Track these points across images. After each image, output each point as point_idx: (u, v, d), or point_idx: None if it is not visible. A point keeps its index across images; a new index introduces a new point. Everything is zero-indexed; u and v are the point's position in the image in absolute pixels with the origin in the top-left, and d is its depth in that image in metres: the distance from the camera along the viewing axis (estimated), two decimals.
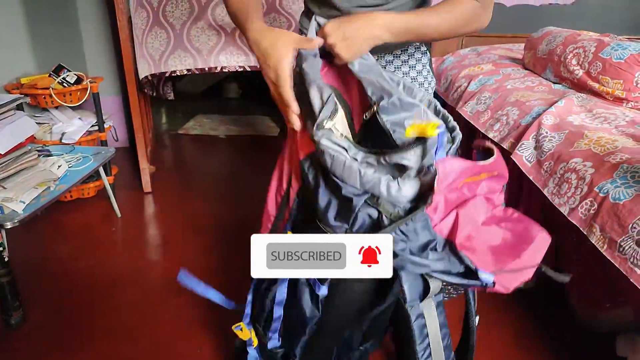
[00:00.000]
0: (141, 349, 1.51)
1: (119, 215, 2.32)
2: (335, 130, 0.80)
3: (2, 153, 1.57)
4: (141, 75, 2.49)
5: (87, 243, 2.13)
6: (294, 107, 0.84)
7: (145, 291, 1.79)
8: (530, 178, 1.54)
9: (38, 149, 2.01)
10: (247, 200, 2.37)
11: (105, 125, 2.42)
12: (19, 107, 2.05)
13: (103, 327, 1.59)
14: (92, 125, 2.39)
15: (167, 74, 2.48)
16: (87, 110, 2.49)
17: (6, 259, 1.50)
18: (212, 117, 4.05)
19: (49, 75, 2.23)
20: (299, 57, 0.87)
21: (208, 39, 2.44)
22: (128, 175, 2.78)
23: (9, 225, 1.54)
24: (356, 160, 0.79)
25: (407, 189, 0.76)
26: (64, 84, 2.21)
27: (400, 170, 0.76)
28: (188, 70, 2.45)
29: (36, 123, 2.22)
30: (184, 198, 2.60)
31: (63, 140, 2.24)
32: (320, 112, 0.80)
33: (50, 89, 2.15)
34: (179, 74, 2.49)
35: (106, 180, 2.24)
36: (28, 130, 1.70)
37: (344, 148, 0.80)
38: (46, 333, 1.57)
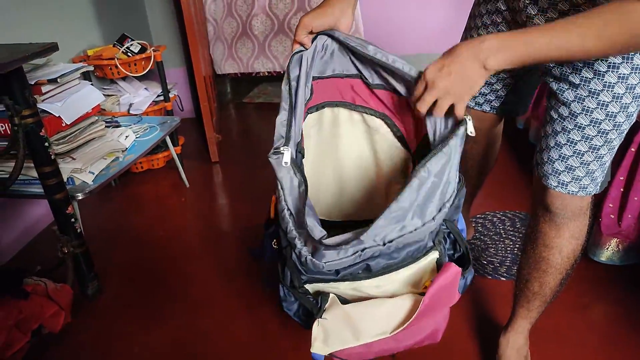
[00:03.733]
0: (217, 321, 1.46)
1: (187, 185, 2.30)
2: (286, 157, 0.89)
3: (69, 123, 1.55)
4: (227, 71, 3.36)
5: (159, 213, 2.12)
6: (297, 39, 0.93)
7: (219, 262, 1.75)
8: None
9: (107, 120, 2.01)
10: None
11: (171, 95, 2.38)
12: (86, 78, 2.05)
13: (178, 299, 1.57)
14: (158, 96, 2.37)
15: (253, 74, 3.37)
16: (153, 81, 2.47)
17: (79, 230, 1.49)
18: (276, 84, 3.96)
19: (114, 45, 2.21)
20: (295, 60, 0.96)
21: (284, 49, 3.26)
22: (195, 145, 2.76)
23: (80, 196, 1.53)
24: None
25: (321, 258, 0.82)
26: (128, 53, 2.18)
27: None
28: (269, 72, 3.35)
29: (104, 95, 2.23)
30: (252, 166, 2.54)
31: (131, 111, 2.23)
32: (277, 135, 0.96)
33: (115, 58, 2.13)
34: (261, 74, 3.37)
35: (173, 150, 2.22)
36: (94, 100, 1.67)
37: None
38: (123, 303, 1.57)
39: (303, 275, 0.86)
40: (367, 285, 0.86)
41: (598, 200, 1.49)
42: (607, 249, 1.50)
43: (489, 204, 1.91)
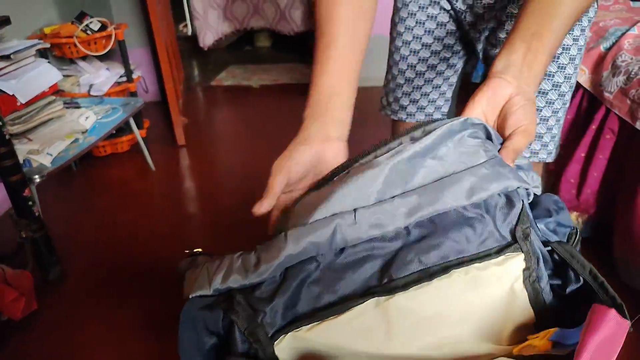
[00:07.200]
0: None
1: (153, 169, 2.25)
2: None
3: (24, 103, 1.48)
4: (225, 31, 3.83)
5: (123, 198, 2.07)
6: (269, 197, 0.56)
7: (185, 244, 1.72)
8: (615, 111, 1.33)
9: (67, 101, 1.93)
10: (283, 150, 2.25)
11: (134, 76, 2.31)
12: (43, 56, 1.96)
13: (143, 283, 1.54)
14: (121, 76, 2.29)
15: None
16: (115, 62, 2.39)
17: (37, 214, 1.44)
18: (244, 67, 3.90)
19: (72, 23, 2.12)
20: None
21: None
22: (161, 128, 2.69)
23: (37, 178, 1.47)
24: None
25: None
26: (88, 31, 2.09)
27: None
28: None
29: (63, 75, 2.14)
30: (219, 150, 2.50)
31: (91, 92, 2.15)
32: None
33: (74, 37, 2.04)
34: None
35: (138, 133, 2.16)
36: (51, 79, 1.60)
37: None
38: (88, 287, 1.53)
39: (266, 311, 0.44)
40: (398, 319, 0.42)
41: (557, 175, 1.54)
42: None
43: None
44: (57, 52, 2.14)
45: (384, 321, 0.42)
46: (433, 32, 0.93)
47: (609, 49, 1.45)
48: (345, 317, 0.42)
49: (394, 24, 0.99)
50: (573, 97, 1.58)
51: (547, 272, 0.46)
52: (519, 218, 0.45)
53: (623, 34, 1.45)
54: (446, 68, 0.98)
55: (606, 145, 1.43)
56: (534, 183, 0.51)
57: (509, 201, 0.46)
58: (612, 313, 0.38)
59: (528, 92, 0.54)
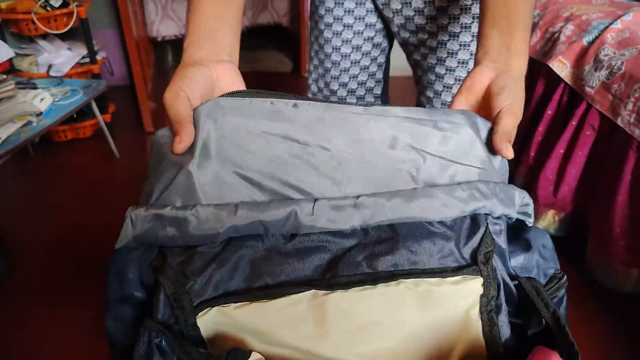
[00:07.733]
0: None
1: (117, 155, 2.13)
2: None
3: None
4: (164, 33, 3.07)
5: (83, 186, 1.95)
6: (187, 131, 0.42)
7: None
8: (596, 107, 1.28)
9: (22, 81, 1.80)
10: None
11: (98, 57, 2.18)
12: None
13: (100, 279, 1.44)
14: (83, 57, 2.16)
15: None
16: (78, 42, 2.25)
17: None
18: None
19: None
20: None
21: None
22: (128, 114, 2.57)
23: None
24: None
25: None
26: (48, 7, 1.96)
27: None
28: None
29: (21, 54, 2.01)
30: None
31: (50, 73, 2.02)
32: None
33: (32, 13, 1.91)
34: None
35: (100, 117, 2.04)
36: (1, 56, 1.47)
37: None
38: (36, 283, 1.42)
39: (196, 280, 0.39)
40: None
41: (536, 172, 1.49)
42: (543, 220, 1.51)
43: None
44: (14, 29, 2.00)
45: (318, 317, 0.39)
46: (353, 11, 0.88)
47: (591, 43, 1.41)
48: (277, 303, 0.39)
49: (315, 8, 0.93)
50: (554, 92, 1.54)
51: (510, 309, 0.43)
52: (481, 240, 0.43)
53: (606, 27, 1.40)
54: (372, 48, 0.92)
55: (586, 141, 1.38)
56: (520, 203, 0.46)
57: (474, 223, 0.43)
58: (555, 358, 0.35)
59: (512, 72, 0.50)
